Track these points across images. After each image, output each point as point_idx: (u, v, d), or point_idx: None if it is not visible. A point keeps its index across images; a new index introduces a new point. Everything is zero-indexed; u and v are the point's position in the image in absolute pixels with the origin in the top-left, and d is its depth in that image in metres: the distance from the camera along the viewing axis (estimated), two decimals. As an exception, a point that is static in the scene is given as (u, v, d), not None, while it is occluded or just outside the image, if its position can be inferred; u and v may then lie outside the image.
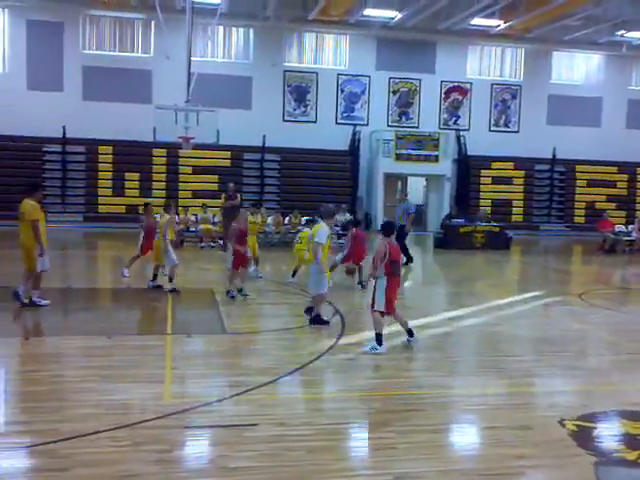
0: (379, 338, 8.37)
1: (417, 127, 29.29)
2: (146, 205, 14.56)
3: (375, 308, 8.49)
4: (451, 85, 29.76)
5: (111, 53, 26.50)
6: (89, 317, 10.38)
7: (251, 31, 27.61)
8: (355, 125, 28.44)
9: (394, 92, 29.31)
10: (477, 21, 26.68)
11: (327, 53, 28.59)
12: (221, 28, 26.95)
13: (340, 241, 18.72)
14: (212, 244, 20.43)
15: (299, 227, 19.47)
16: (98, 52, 26.40)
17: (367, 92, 28.93)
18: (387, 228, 8.87)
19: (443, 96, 29.78)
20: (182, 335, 9.09)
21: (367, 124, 28.84)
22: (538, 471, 5.29)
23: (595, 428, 6.19)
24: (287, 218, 21.56)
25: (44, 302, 10.52)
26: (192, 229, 21.06)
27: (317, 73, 28.41)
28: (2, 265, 14.70)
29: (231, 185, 20.01)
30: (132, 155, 25.73)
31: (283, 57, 28.07)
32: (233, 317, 10.52)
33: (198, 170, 26.21)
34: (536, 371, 8.01)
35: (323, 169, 27.11)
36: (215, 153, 25.64)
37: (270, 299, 12.22)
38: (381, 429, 5.94)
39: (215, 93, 24.53)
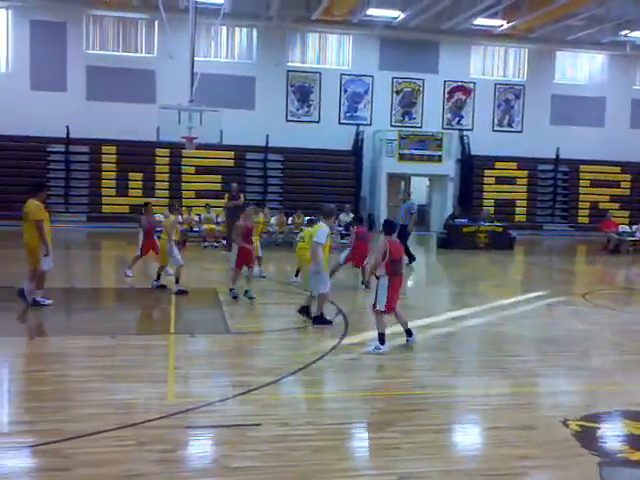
0: (382, 338, 8.37)
1: (420, 127, 29.28)
2: (146, 205, 14.60)
3: (377, 307, 8.48)
4: (454, 85, 29.75)
5: (114, 53, 26.55)
6: (93, 317, 10.39)
7: (254, 31, 27.63)
8: (358, 125, 28.45)
9: (397, 92, 29.30)
10: (480, 21, 26.68)
11: (330, 53, 28.60)
12: (224, 28, 26.97)
13: (343, 241, 18.74)
14: (215, 244, 20.45)
15: (302, 227, 19.46)
16: (101, 52, 26.45)
17: (370, 92, 28.93)
18: (388, 227, 8.86)
19: (446, 96, 29.77)
20: (185, 335, 9.10)
21: (370, 124, 28.85)
22: (541, 471, 5.28)
23: (599, 428, 6.18)
24: (290, 218, 21.57)
25: (48, 302, 10.54)
26: (195, 229, 21.07)
27: (320, 73, 28.42)
28: (6, 265, 14.74)
29: (234, 185, 20.02)
30: (135, 155, 25.77)
31: (286, 57, 28.09)
32: (236, 317, 10.52)
33: (201, 170, 26.24)
34: (540, 371, 8.00)
35: (326, 169, 27.11)
36: (218, 153, 25.67)
37: (274, 299, 12.22)
38: (384, 429, 5.93)
39: (218, 93, 24.56)
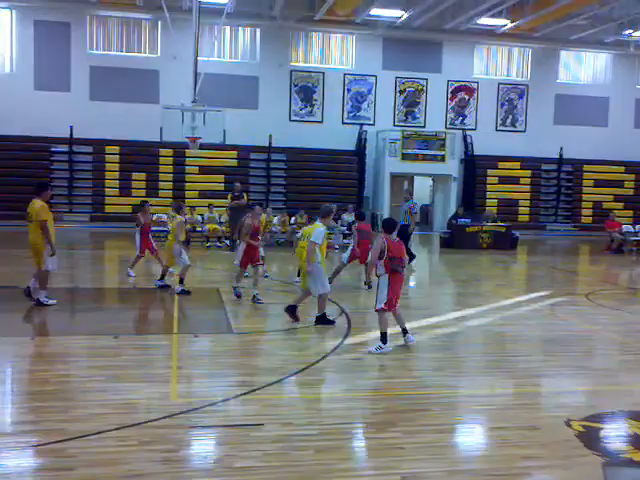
0: (384, 337, 8.36)
1: (424, 127, 29.25)
2: (143, 204, 14.64)
3: (377, 306, 8.47)
4: (458, 85, 29.70)
5: (118, 53, 26.56)
6: (96, 317, 10.40)
7: (258, 31, 27.63)
8: (361, 125, 28.43)
9: (401, 92, 29.27)
10: (484, 20, 26.64)
11: (333, 53, 28.58)
12: (228, 28, 26.97)
13: (345, 241, 18.73)
14: (218, 244, 20.46)
15: (302, 226, 19.46)
16: (105, 52, 26.47)
17: (373, 92, 28.91)
18: (387, 225, 8.84)
19: (450, 96, 29.73)
20: (188, 335, 9.11)
21: (373, 124, 28.82)
22: (545, 472, 5.27)
23: (602, 429, 6.17)
24: (293, 218, 21.57)
25: (51, 302, 10.55)
26: (198, 229, 21.09)
27: (323, 73, 28.41)
28: (11, 265, 14.76)
29: (237, 185, 20.05)
30: (139, 155, 25.79)
31: (289, 57, 28.08)
32: (239, 317, 10.54)
33: (205, 170, 26.24)
34: (543, 371, 7.99)
35: (329, 169, 27.10)
36: (221, 153, 25.69)
37: (277, 299, 12.21)
38: (387, 429, 5.93)
39: (222, 93, 24.60)
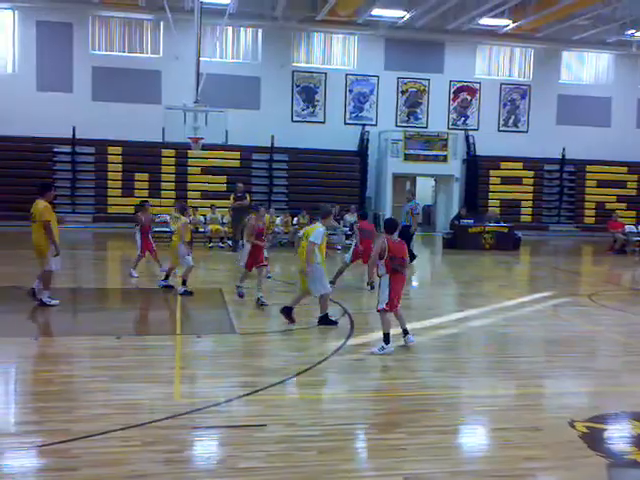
0: (387, 338, 8.36)
1: (426, 127, 29.26)
2: (143, 203, 14.67)
3: (379, 306, 8.47)
4: (460, 85, 29.70)
5: (120, 54, 26.59)
6: (99, 317, 10.42)
7: (260, 32, 27.65)
8: (364, 125, 28.43)
9: (403, 92, 29.28)
10: (486, 21, 26.64)
11: (335, 53, 28.59)
12: (230, 29, 26.98)
13: (348, 241, 18.73)
14: (221, 244, 20.47)
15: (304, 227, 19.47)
16: (107, 53, 26.50)
17: (376, 92, 28.91)
18: (388, 225, 8.84)
19: (452, 96, 29.73)
20: (191, 335, 9.12)
21: (376, 124, 28.82)
22: (548, 473, 5.27)
23: (606, 430, 6.17)
24: (295, 219, 21.58)
25: (54, 302, 10.56)
26: (201, 230, 21.09)
27: (325, 73, 28.42)
28: (13, 265, 14.78)
29: (240, 185, 20.07)
30: (141, 156, 25.81)
31: (291, 57, 28.09)
32: (242, 317, 10.54)
33: (207, 170, 26.27)
34: (546, 372, 7.98)
35: (332, 169, 27.11)
36: (224, 153, 25.71)
37: (279, 299, 12.20)
38: (390, 430, 5.93)
39: (224, 93, 24.61)
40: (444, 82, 29.47)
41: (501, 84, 30.09)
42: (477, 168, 29.07)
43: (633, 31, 27.62)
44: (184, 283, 12.00)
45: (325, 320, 9.77)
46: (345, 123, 28.70)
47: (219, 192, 25.14)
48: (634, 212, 28.90)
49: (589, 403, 6.94)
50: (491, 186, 29.17)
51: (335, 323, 9.83)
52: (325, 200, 23.09)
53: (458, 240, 21.91)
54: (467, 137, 29.42)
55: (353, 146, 28.19)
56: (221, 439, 5.68)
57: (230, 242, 19.74)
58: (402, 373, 7.76)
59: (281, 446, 5.45)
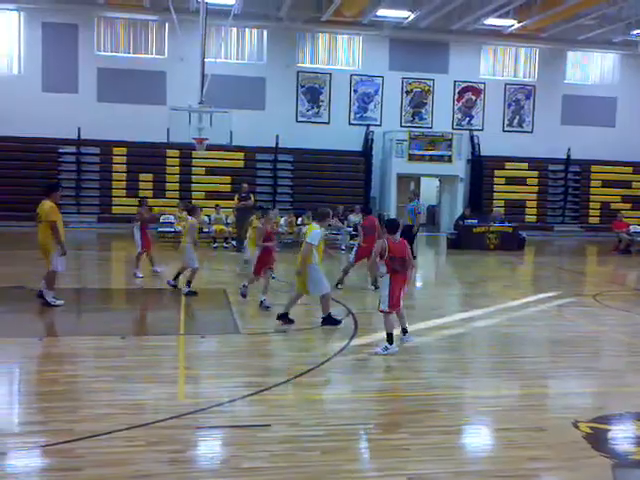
0: (390, 338, 8.36)
1: (430, 127, 29.21)
2: (142, 200, 14.72)
3: (381, 307, 8.47)
4: (464, 85, 29.65)
5: (125, 55, 26.63)
6: (103, 317, 10.45)
7: (264, 32, 27.66)
8: (368, 126, 28.42)
9: (407, 92, 29.25)
10: (491, 21, 26.58)
11: (340, 54, 28.58)
12: (234, 29, 27.00)
13: (352, 242, 18.72)
14: (225, 245, 20.50)
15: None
16: (112, 54, 26.53)
17: (380, 92, 28.89)
18: (389, 225, 8.84)
19: (456, 96, 29.68)
20: (195, 335, 9.13)
21: (380, 125, 28.80)
22: (552, 473, 5.27)
23: (610, 430, 6.16)
24: (300, 219, 21.60)
25: (58, 302, 10.59)
26: (205, 230, 21.13)
27: (330, 74, 28.41)
28: (18, 265, 14.82)
29: (244, 186, 20.09)
30: (146, 156, 25.85)
31: (296, 58, 28.09)
32: (246, 317, 10.55)
33: (211, 171, 26.29)
34: (550, 372, 7.97)
35: (336, 170, 27.09)
36: (228, 154, 25.72)
37: (283, 300, 12.21)
38: (394, 430, 5.93)
39: (228, 94, 24.62)
40: (449, 82, 29.43)
41: (506, 84, 30.04)
42: (482, 168, 29.02)
43: (639, 31, 27.53)
44: (189, 284, 12.02)
45: (329, 320, 9.77)
46: (350, 123, 28.68)
47: (223, 192, 25.17)
48: (639, 212, 28.80)
49: (593, 403, 6.93)
50: (496, 186, 29.12)
51: (339, 322, 9.82)
52: (329, 201, 23.19)
53: (462, 240, 21.89)
54: (472, 137, 29.37)
55: (358, 146, 28.18)
56: (225, 439, 5.69)
57: (234, 242, 19.76)
58: (406, 373, 7.76)
59: (285, 446, 5.46)
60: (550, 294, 13.48)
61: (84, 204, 25.87)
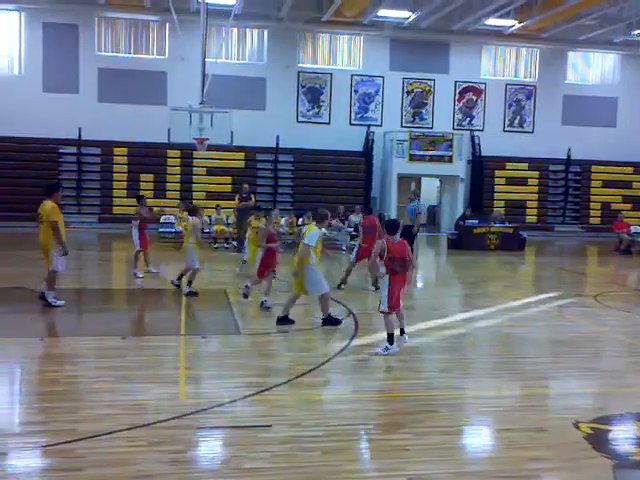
0: (390, 338, 8.36)
1: (431, 128, 29.21)
2: (140, 199, 14.73)
3: (381, 308, 8.48)
4: (465, 85, 29.66)
5: (126, 55, 26.64)
6: (104, 318, 10.44)
7: (265, 32, 27.66)
8: (369, 126, 28.42)
9: (408, 93, 29.25)
10: (491, 21, 26.58)
11: (341, 54, 28.58)
12: (235, 30, 27.01)
13: (352, 243, 18.72)
14: (226, 245, 20.50)
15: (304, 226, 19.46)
16: (113, 54, 26.55)
17: (381, 93, 28.90)
18: (389, 226, 8.85)
19: (457, 96, 29.69)
20: (196, 336, 9.14)
21: (381, 125, 28.80)
22: (552, 474, 5.27)
23: (610, 431, 6.16)
24: (300, 219, 21.59)
25: (59, 303, 10.60)
26: (206, 230, 21.12)
27: (331, 74, 28.42)
28: (19, 266, 14.82)
29: (245, 186, 20.09)
30: (147, 156, 25.87)
31: (297, 58, 28.10)
32: (247, 318, 10.55)
33: (212, 171, 26.30)
34: (551, 373, 7.97)
35: (337, 170, 27.10)
36: (229, 154, 25.72)
37: (284, 300, 12.22)
38: (394, 431, 5.93)
39: (229, 94, 24.64)
40: (449, 82, 29.44)
41: (506, 84, 30.04)
42: (482, 168, 29.02)
43: (639, 31, 27.51)
44: (189, 284, 12.02)
45: (329, 321, 9.76)
46: (350, 124, 28.69)
47: (224, 193, 25.18)
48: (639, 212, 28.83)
49: (594, 404, 6.93)
50: (496, 186, 29.12)
51: (339, 322, 9.82)
52: (330, 201, 23.20)
53: (463, 241, 21.89)
54: (472, 137, 29.38)
55: (358, 147, 28.18)
56: (226, 439, 5.70)
57: (235, 243, 19.76)
58: (406, 374, 7.76)
59: (285, 446, 5.47)
60: (551, 294, 13.47)
61: (85, 204, 25.89)
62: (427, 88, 29.38)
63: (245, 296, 11.44)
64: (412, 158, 27.48)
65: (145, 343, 8.81)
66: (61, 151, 25.88)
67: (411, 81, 29.18)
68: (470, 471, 5.21)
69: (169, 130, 19.82)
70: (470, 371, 8.10)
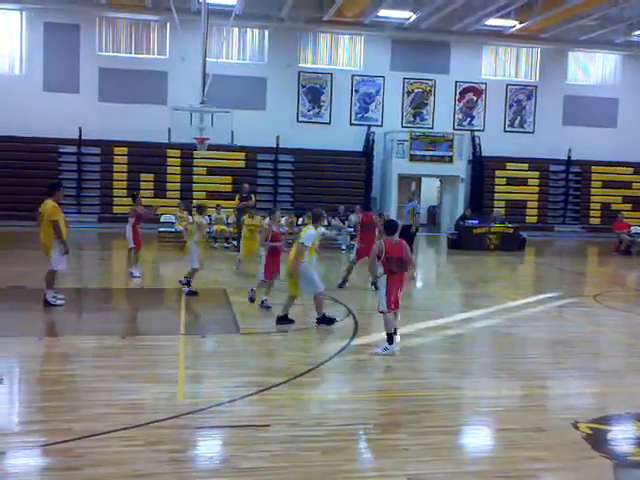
0: (390, 338, 8.35)
1: (431, 128, 29.20)
2: (135, 197, 14.75)
3: (380, 308, 8.47)
4: (466, 86, 29.65)
5: (127, 55, 26.64)
6: (103, 317, 10.45)
7: (266, 32, 27.66)
8: (369, 126, 28.41)
9: (408, 93, 29.24)
10: (492, 21, 26.57)
11: (342, 54, 28.58)
12: (236, 29, 27.01)
13: (351, 242, 18.73)
14: (226, 245, 20.49)
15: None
16: (114, 54, 26.55)
17: (381, 93, 28.89)
18: (388, 227, 8.85)
19: (458, 97, 29.67)
20: (195, 335, 9.13)
21: (381, 125, 28.80)
22: (551, 474, 5.26)
23: (610, 431, 6.15)
24: (300, 219, 21.58)
25: (59, 302, 10.60)
26: (206, 230, 21.10)
27: (331, 74, 28.41)
28: (18, 265, 14.82)
29: (245, 186, 20.09)
30: (147, 156, 25.86)
31: (297, 58, 28.09)
32: (246, 317, 10.54)
33: (212, 171, 26.29)
34: (550, 373, 7.97)
35: (337, 170, 27.08)
36: (229, 154, 25.72)
37: (283, 299, 12.22)
38: (393, 430, 5.93)
39: (230, 94, 24.63)
40: (450, 83, 29.42)
41: (507, 85, 30.02)
42: (483, 169, 29.01)
43: (640, 32, 27.53)
44: (188, 283, 12.01)
45: (323, 320, 9.69)
46: (351, 124, 28.68)
47: (224, 192, 25.17)
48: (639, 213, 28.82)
49: (593, 404, 6.93)
50: (496, 187, 29.10)
51: (333, 321, 9.75)
52: (330, 201, 23.21)
53: (463, 241, 21.88)
54: (473, 138, 29.36)
55: (359, 147, 28.18)
56: (224, 439, 5.69)
57: (235, 242, 19.75)
58: (406, 373, 7.75)
59: (284, 446, 5.46)
60: (550, 295, 13.47)
61: (85, 204, 25.89)
62: (427, 88, 29.37)
63: (252, 300, 11.31)
64: (412, 158, 27.47)
65: (144, 342, 8.80)
66: (61, 150, 25.87)
67: (411, 81, 29.17)
68: (469, 471, 5.20)
69: (169, 130, 19.82)
70: (469, 371, 8.09)
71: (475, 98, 29.79)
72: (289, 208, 24.94)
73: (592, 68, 30.68)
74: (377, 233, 13.06)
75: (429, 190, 31.40)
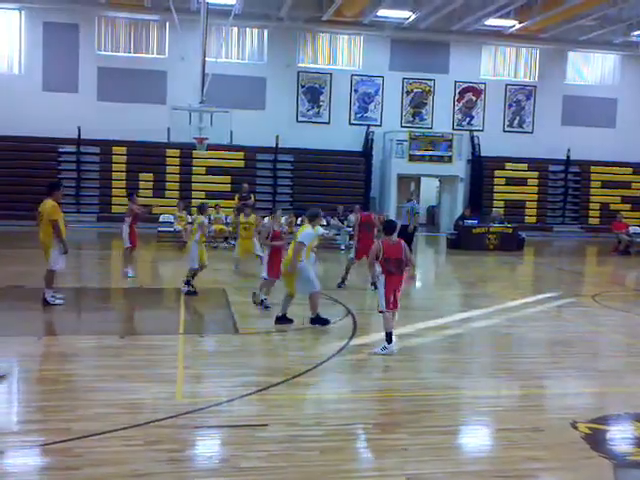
0: (389, 337, 8.35)
1: (431, 128, 29.20)
2: (131, 196, 14.75)
3: (379, 307, 8.48)
4: (465, 85, 29.65)
5: (126, 54, 26.63)
6: (102, 317, 10.44)
7: (265, 32, 27.65)
8: (368, 126, 28.41)
9: (408, 92, 29.24)
10: (491, 21, 26.57)
11: (341, 54, 28.57)
12: (235, 29, 27.00)
13: (350, 242, 18.72)
14: (226, 245, 20.48)
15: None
16: (113, 53, 26.54)
17: (381, 93, 28.89)
18: (386, 227, 8.87)
19: (457, 97, 29.67)
20: (194, 335, 9.14)
21: (380, 125, 28.79)
22: (550, 474, 5.27)
23: (608, 431, 6.16)
24: (300, 219, 21.57)
25: (58, 301, 10.59)
26: (207, 230, 21.08)
27: (331, 74, 28.40)
28: (17, 264, 14.81)
29: (245, 186, 20.11)
30: (146, 156, 25.84)
31: (297, 58, 28.08)
32: (245, 317, 10.54)
33: (211, 170, 26.28)
34: (549, 373, 7.97)
35: (336, 170, 27.07)
36: (228, 154, 25.72)
37: (282, 298, 12.22)
38: (392, 430, 5.93)
39: (229, 94, 24.62)
40: (449, 83, 29.42)
41: (506, 85, 30.02)
42: (482, 169, 29.02)
43: (639, 32, 27.51)
44: (188, 283, 12.01)
45: (318, 320, 9.66)
46: (350, 123, 28.67)
47: (223, 192, 25.17)
48: (639, 213, 28.78)
49: (592, 404, 6.93)
50: (496, 187, 29.11)
51: (328, 322, 9.71)
52: (330, 201, 23.22)
53: (462, 240, 21.89)
54: (472, 138, 29.36)
55: (358, 146, 28.17)
56: (223, 439, 5.69)
57: (234, 242, 19.74)
58: (405, 373, 7.76)
59: (283, 446, 5.46)
60: (549, 294, 13.48)
61: (84, 203, 25.88)
62: (427, 88, 29.37)
63: (255, 303, 11.21)
64: (412, 158, 27.47)
65: (143, 342, 8.80)
66: (60, 150, 25.86)
67: (411, 81, 29.16)
68: (468, 471, 5.21)
69: (169, 129, 19.82)
70: (468, 371, 8.09)
71: (474, 98, 29.79)
72: (288, 208, 24.90)
73: (591, 68, 30.68)
74: (376, 232, 13.08)
75: (428, 190, 31.40)
